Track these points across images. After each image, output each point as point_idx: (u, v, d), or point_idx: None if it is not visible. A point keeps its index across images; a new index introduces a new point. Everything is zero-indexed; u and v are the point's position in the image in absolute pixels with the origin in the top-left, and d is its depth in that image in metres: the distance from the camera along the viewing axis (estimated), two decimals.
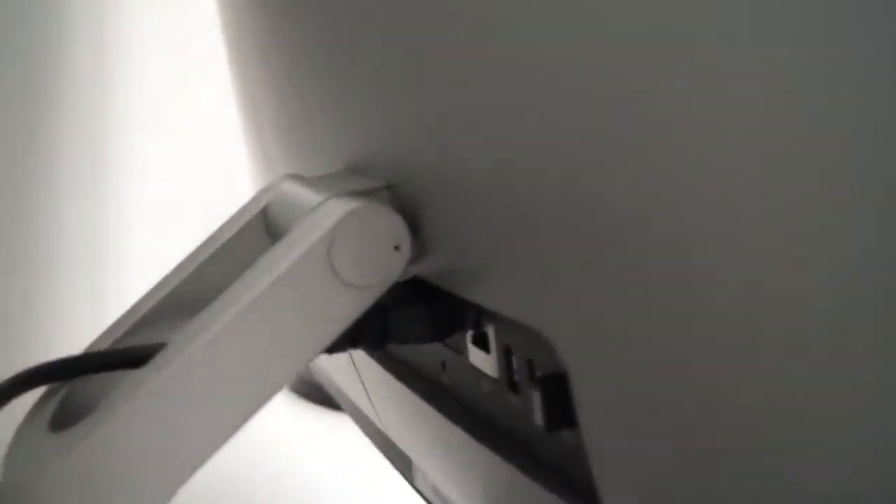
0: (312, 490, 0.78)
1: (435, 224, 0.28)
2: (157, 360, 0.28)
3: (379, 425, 0.47)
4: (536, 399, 0.26)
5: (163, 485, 0.27)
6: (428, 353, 0.36)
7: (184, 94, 1.17)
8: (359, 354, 0.43)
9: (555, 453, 0.28)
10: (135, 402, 0.27)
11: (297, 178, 0.34)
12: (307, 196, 0.31)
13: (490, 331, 0.30)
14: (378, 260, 0.28)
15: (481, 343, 0.31)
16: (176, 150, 1.18)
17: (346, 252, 0.28)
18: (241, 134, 0.58)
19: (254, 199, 0.35)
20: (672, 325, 0.20)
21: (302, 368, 0.29)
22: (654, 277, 0.20)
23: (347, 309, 0.28)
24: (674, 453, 0.21)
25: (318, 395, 0.94)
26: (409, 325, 0.32)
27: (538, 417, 0.26)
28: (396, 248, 0.28)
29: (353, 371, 0.46)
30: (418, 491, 0.47)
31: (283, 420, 0.92)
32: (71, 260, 1.13)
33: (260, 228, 0.34)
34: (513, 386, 0.30)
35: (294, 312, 0.27)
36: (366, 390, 0.46)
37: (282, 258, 0.28)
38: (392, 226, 0.28)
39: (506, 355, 0.30)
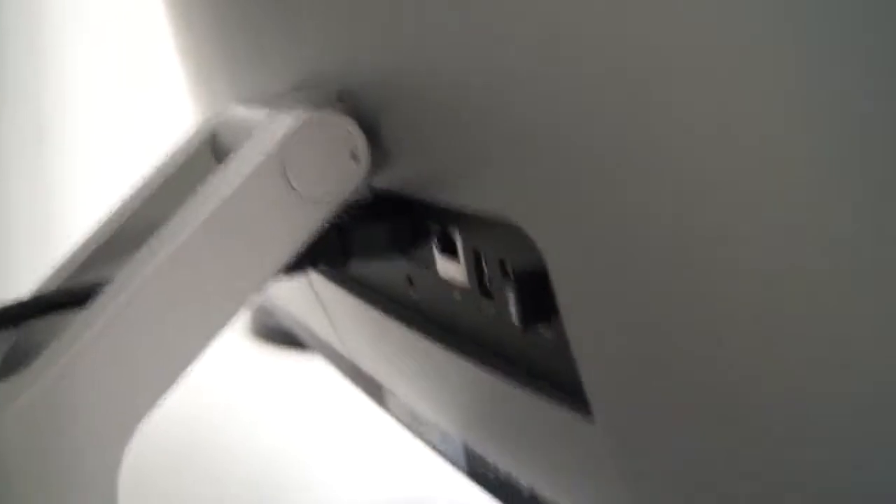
0: (285, 431, 0.77)
1: (393, 128, 0.27)
2: (103, 297, 0.27)
3: (345, 353, 0.46)
4: (511, 296, 0.26)
5: (118, 425, 0.26)
6: (393, 272, 0.35)
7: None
8: (319, 282, 0.42)
9: (534, 355, 0.28)
10: (80, 342, 0.26)
11: (244, 102, 0.33)
12: (255, 115, 0.30)
13: (457, 237, 0.29)
14: (335, 170, 0.27)
15: (449, 253, 0.31)
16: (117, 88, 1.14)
17: (301, 163, 0.26)
18: (183, 75, 0.56)
19: (200, 128, 0.33)
20: (653, 203, 0.19)
21: (259, 291, 0.28)
22: (635, 161, 0.19)
23: (305, 224, 0.27)
24: (659, 343, 0.21)
25: (281, 337, 0.93)
26: (371, 238, 0.31)
27: (514, 315, 0.26)
28: (353, 156, 0.27)
29: (314, 300, 0.45)
30: (393, 416, 0.47)
31: (248, 364, 0.92)
32: (13, 203, 1.10)
33: (208, 156, 0.32)
34: (485, 291, 0.29)
35: (248, 231, 0.26)
36: (329, 318, 0.45)
37: (232, 176, 0.27)
38: (347, 132, 0.27)
39: (475, 260, 0.29)
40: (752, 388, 0.19)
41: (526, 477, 0.31)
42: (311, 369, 0.88)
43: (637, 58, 0.18)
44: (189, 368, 0.27)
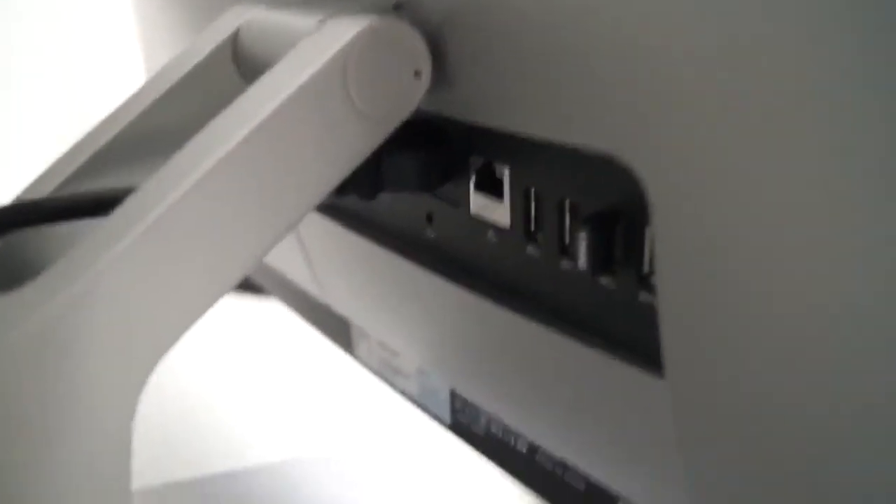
0: (247, 378, 0.74)
1: (463, 43, 0.25)
2: (131, 207, 0.24)
3: (319, 294, 0.44)
4: (583, 241, 0.24)
5: (142, 355, 0.23)
6: (407, 207, 0.33)
7: None
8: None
9: (589, 305, 0.26)
10: (109, 254, 0.23)
11: (263, 3, 0.30)
12: (296, 20, 0.27)
13: (506, 174, 0.27)
14: (397, 87, 0.25)
15: (487, 190, 0.29)
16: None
17: (364, 75, 0.24)
18: None
19: (214, 29, 0.30)
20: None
21: (305, 214, 0.25)
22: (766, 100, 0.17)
23: (361, 143, 0.25)
24: (757, 303, 0.19)
25: None
26: (407, 170, 0.28)
27: (583, 262, 0.24)
28: (416, 73, 0.25)
29: (290, 235, 0.42)
30: (362, 363, 0.45)
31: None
32: None
33: (227, 61, 0.29)
34: (528, 233, 0.27)
35: (303, 144, 0.24)
36: (305, 254, 0.42)
37: (284, 84, 0.24)
38: (413, 46, 0.24)
39: (524, 200, 0.27)
40: (839, 375, 0.18)
41: (551, 432, 0.30)
42: (264, 312, 0.85)
43: None
44: (224, 296, 0.24)
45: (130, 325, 0.23)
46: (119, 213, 0.23)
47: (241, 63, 0.29)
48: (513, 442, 0.35)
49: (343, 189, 0.28)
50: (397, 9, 0.26)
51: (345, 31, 0.24)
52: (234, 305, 0.86)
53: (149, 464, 0.60)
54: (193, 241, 0.23)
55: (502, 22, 0.23)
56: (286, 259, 0.45)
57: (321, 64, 0.24)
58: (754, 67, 0.18)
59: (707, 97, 0.19)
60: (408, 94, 0.25)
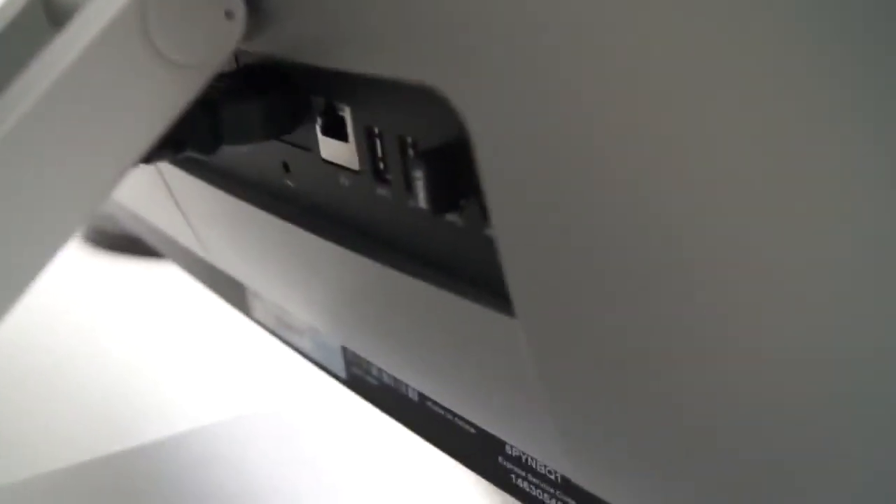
0: (133, 346, 0.72)
1: None
2: None
3: (204, 254, 0.42)
4: (419, 178, 0.22)
5: None
6: (264, 156, 0.31)
7: None
8: (171, 172, 0.38)
9: (440, 244, 0.24)
10: None
11: None
12: None
13: (347, 114, 0.26)
14: (207, 29, 0.23)
15: (334, 133, 0.27)
16: None
17: (166, 18, 0.22)
18: None
19: None
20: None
21: (122, 176, 0.23)
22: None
23: (174, 94, 0.23)
24: (595, 231, 0.18)
25: (123, 243, 0.86)
26: (247, 119, 0.27)
27: (422, 200, 0.22)
28: (228, 14, 0.23)
29: (165, 195, 0.40)
30: (258, 322, 0.43)
31: (87, 276, 0.85)
32: None
33: (40, 14, 0.27)
34: (379, 175, 0.26)
35: (102, 105, 0.22)
36: (183, 215, 0.40)
37: (81, 35, 0.22)
38: None
39: (368, 139, 0.25)
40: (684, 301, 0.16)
41: (424, 379, 0.29)
42: (160, 277, 0.83)
43: None
44: (33, 282, 0.22)
45: None
46: None
47: (51, 13, 0.27)
48: (404, 390, 0.34)
49: (179, 145, 0.26)
50: None
51: None
52: (136, 270, 0.84)
53: (81, 439, 0.58)
54: (2, 213, 0.21)
55: None
56: (172, 223, 0.44)
57: (117, 9, 0.21)
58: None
59: (514, 23, 0.17)
60: (221, 37, 0.23)
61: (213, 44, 0.23)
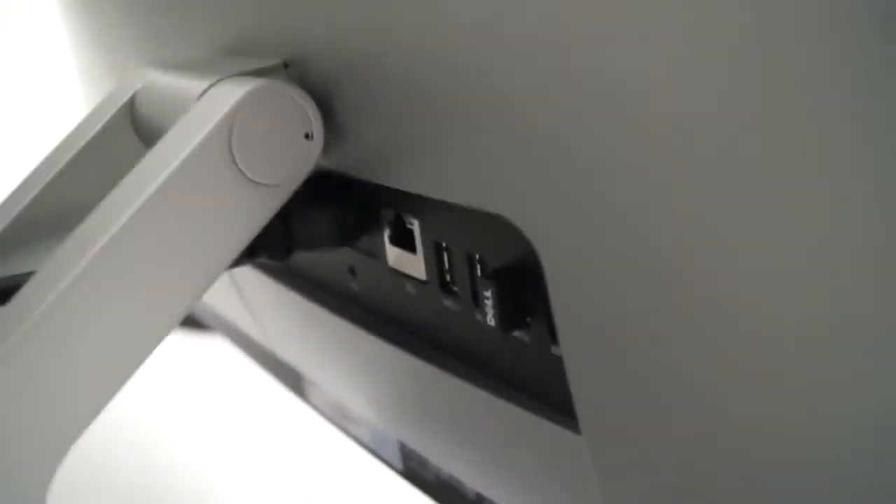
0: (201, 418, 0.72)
1: (352, 103, 0.24)
2: (27, 293, 0.23)
3: (263, 342, 0.43)
4: (489, 296, 0.23)
5: (52, 442, 0.23)
6: (331, 262, 0.32)
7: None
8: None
9: (506, 358, 0.25)
10: (6, 346, 0.22)
11: (162, 66, 0.29)
12: (187, 83, 0.26)
13: (416, 228, 0.27)
14: (287, 151, 0.24)
15: (401, 244, 0.28)
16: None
17: (250, 142, 0.23)
18: (71, 47, 0.50)
19: (112, 96, 0.29)
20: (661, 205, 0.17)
21: (208, 288, 0.24)
22: (639, 155, 0.17)
23: (257, 211, 0.24)
24: (659, 352, 0.18)
25: None
26: (318, 229, 0.28)
27: (492, 316, 0.23)
28: (307, 135, 0.24)
29: (227, 282, 0.42)
30: (315, 409, 0.44)
31: None
32: None
33: (126, 127, 0.28)
34: (445, 286, 0.26)
35: (193, 221, 0.23)
36: (246, 304, 0.42)
37: (171, 157, 0.23)
38: (301, 108, 0.24)
39: (436, 254, 0.26)
40: (745, 412, 0.17)
41: (484, 483, 0.29)
42: (211, 350, 0.84)
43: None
44: (131, 377, 0.23)
45: (38, 413, 0.22)
46: (18, 302, 0.22)
47: (139, 129, 0.28)
48: (461, 487, 0.34)
49: (254, 252, 0.27)
50: (287, 66, 0.25)
51: (228, 97, 0.23)
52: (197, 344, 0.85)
53: None
54: (91, 330, 0.22)
55: (384, 78, 0.22)
56: (231, 305, 0.45)
57: (204, 135, 0.23)
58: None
59: (590, 163, 0.18)
60: (301, 157, 0.24)
61: (294, 163, 0.24)
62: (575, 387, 0.21)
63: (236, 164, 0.23)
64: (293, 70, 0.25)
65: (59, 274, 0.22)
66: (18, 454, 0.22)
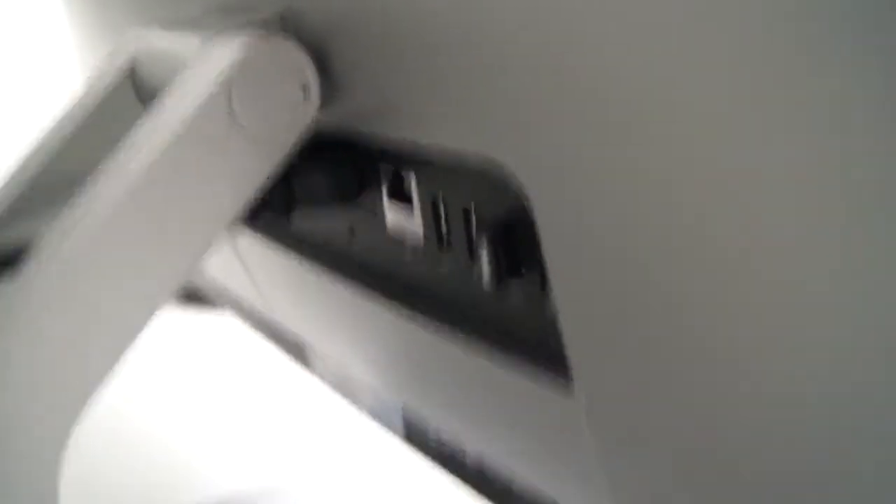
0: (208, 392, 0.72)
1: (347, 55, 0.24)
2: (32, 259, 0.23)
3: (266, 311, 0.43)
4: (483, 250, 0.23)
5: (61, 413, 0.23)
6: (330, 221, 0.32)
7: None
8: (237, 231, 0.39)
9: (501, 314, 0.25)
10: (9, 314, 0.22)
11: (161, 24, 0.29)
12: (184, 41, 0.26)
13: (412, 182, 0.27)
14: (285, 106, 0.24)
15: (400, 200, 0.28)
16: None
17: (248, 97, 0.23)
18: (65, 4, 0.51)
19: (112, 57, 0.30)
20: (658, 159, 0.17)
21: (214, 241, 0.24)
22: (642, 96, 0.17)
23: (258, 165, 0.24)
24: (656, 310, 0.18)
25: (182, 294, 0.87)
26: (318, 186, 0.28)
27: (485, 271, 0.23)
28: (304, 88, 0.24)
29: (229, 251, 0.42)
30: (319, 377, 0.44)
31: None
32: None
33: (128, 90, 0.29)
34: (441, 241, 0.27)
35: (196, 179, 0.23)
36: (248, 272, 0.42)
37: (170, 117, 0.23)
38: (297, 62, 0.24)
39: (433, 209, 0.26)
40: (748, 377, 0.17)
41: (483, 445, 0.29)
42: (219, 327, 0.84)
43: None
44: (135, 342, 0.23)
45: (47, 383, 0.22)
46: (25, 267, 0.22)
47: (139, 90, 0.28)
48: (461, 454, 0.35)
49: (255, 209, 0.27)
50: (284, 18, 0.25)
51: (227, 51, 0.23)
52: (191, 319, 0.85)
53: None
54: (96, 293, 0.23)
55: (380, 28, 0.22)
56: (233, 275, 0.45)
57: (204, 91, 0.23)
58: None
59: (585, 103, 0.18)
60: (298, 113, 0.24)
61: (293, 118, 0.24)
62: (568, 342, 0.21)
63: (236, 119, 0.23)
64: (291, 21, 0.25)
65: (63, 239, 0.23)
66: (34, 410, 0.23)
